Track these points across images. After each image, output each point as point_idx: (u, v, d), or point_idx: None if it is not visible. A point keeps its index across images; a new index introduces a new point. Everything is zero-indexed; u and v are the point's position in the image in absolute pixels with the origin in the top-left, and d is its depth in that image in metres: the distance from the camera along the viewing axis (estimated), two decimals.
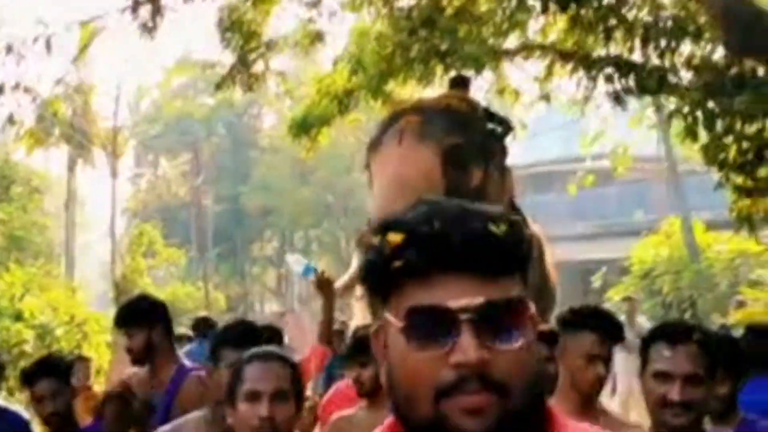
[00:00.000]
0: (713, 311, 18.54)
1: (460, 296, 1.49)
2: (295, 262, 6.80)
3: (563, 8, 7.82)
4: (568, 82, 10.70)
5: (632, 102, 10.24)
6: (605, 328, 3.61)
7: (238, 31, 8.97)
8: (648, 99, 10.77)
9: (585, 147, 20.84)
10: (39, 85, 7.85)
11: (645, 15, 8.68)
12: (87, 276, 39.11)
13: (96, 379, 14.63)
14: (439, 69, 10.22)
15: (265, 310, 44.33)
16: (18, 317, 14.19)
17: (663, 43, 7.95)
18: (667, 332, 3.11)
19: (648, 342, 3.13)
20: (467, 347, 1.46)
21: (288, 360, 3.24)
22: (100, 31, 8.23)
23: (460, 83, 9.04)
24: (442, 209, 1.56)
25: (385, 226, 1.57)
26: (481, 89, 11.33)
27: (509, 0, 9.14)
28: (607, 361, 3.61)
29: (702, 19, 7.79)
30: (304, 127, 10.71)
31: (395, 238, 1.52)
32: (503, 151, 8.23)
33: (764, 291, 16.93)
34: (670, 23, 7.66)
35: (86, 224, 51.20)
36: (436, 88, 10.84)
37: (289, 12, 9.48)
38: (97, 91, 27.61)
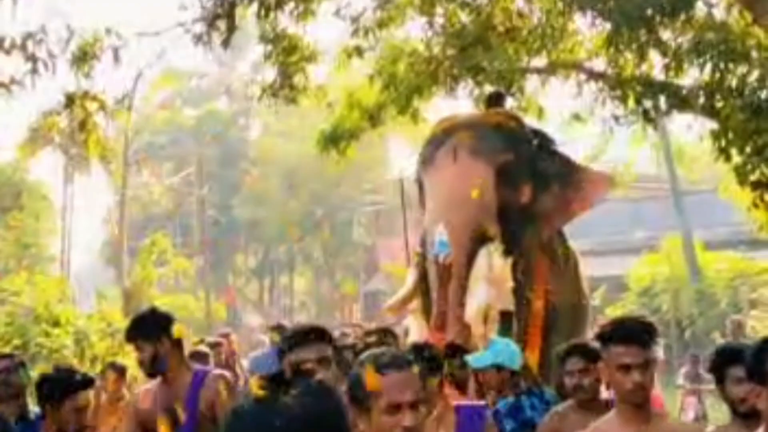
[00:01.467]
0: (713, 330, 18.65)
1: None
2: (440, 233, 6.86)
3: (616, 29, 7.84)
4: (568, 100, 10.87)
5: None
6: (633, 336, 3.69)
7: (279, 43, 9.01)
8: None
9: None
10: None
11: (684, 37, 8.80)
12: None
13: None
14: (467, 85, 10.33)
15: (251, 323, 44.08)
16: (56, 323, 14.22)
17: (709, 64, 8.06)
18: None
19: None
20: None
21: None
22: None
23: (497, 99, 9.16)
24: None
25: None
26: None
27: (557, 18, 9.17)
28: (643, 366, 3.66)
29: (752, 42, 7.89)
30: (333, 139, 10.75)
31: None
32: (562, 165, 8.28)
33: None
34: (722, 46, 7.73)
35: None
36: (461, 103, 10.98)
37: (326, 25, 9.50)
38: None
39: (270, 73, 10.10)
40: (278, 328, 9.93)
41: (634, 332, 3.72)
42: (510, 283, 7.58)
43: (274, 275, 51.58)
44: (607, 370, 3.75)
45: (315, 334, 4.05)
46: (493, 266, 7.48)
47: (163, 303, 22.20)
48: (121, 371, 8.27)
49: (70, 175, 30.44)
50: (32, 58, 6.98)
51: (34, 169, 25.10)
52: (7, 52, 7.01)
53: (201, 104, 52.88)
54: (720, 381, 4.36)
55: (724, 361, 4.36)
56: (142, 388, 5.38)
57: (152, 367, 4.98)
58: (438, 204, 7.79)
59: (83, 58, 7.23)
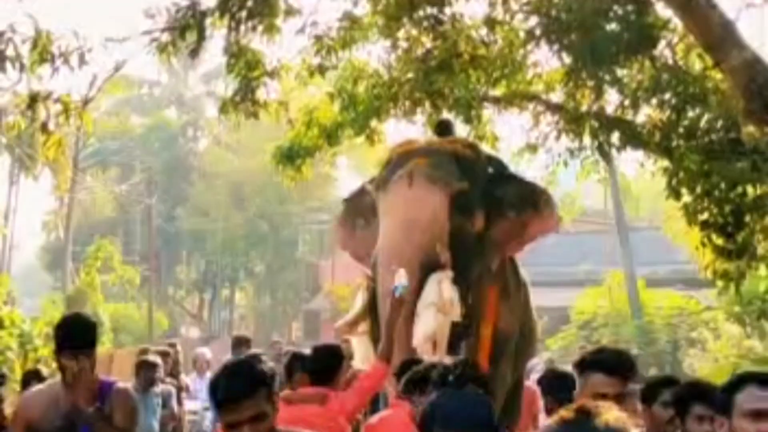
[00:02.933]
0: (651, 366, 18.91)
1: None
2: (401, 275, 6.85)
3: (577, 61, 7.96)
4: (522, 131, 10.99)
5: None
6: (612, 366, 3.73)
7: (243, 57, 9.00)
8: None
9: None
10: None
11: (642, 75, 8.96)
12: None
13: None
14: (425, 110, 10.39)
15: (190, 335, 43.74)
16: (0, 325, 14.02)
17: (666, 105, 8.22)
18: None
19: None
20: None
21: None
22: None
23: (445, 128, 9.21)
24: None
25: None
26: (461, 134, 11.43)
27: (518, 49, 9.29)
28: (618, 398, 3.67)
29: (709, 84, 8.06)
30: (290, 156, 10.74)
31: None
32: (523, 190, 8.34)
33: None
34: (679, 87, 7.89)
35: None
36: (418, 127, 11.03)
37: (290, 42, 9.51)
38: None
39: (222, 86, 10.09)
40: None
41: (614, 363, 3.77)
42: (459, 310, 7.60)
43: (216, 288, 51.26)
44: (582, 397, 3.76)
45: None
46: (442, 293, 7.49)
47: (107, 310, 22.07)
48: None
49: (15, 177, 30.07)
50: (0, 57, 6.92)
51: None
52: None
53: (150, 113, 52.56)
54: (680, 416, 4.42)
55: (688, 397, 4.43)
56: (30, 392, 5.42)
57: (80, 378, 4.96)
58: (392, 228, 7.80)
59: (50, 59, 7.19)
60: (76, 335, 5.07)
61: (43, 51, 7.37)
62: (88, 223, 44.53)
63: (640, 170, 10.39)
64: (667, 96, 8.33)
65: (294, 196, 41.65)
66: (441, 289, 7.36)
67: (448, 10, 9.38)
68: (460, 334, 7.30)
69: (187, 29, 7.94)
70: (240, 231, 44.17)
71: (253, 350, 11.15)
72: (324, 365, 5.99)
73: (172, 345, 11.76)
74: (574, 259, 28.01)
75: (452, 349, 7.23)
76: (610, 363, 3.77)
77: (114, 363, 17.86)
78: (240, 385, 3.39)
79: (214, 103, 47.59)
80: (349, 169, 45.15)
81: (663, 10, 8.49)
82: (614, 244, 24.46)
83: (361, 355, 7.77)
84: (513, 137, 11.83)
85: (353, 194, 9.02)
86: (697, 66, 8.67)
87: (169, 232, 46.79)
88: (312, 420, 5.17)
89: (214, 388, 3.43)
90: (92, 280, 21.49)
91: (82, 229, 40.52)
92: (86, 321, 5.27)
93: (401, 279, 6.63)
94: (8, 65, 7.04)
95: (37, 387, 5.36)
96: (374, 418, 6.01)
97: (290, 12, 9.11)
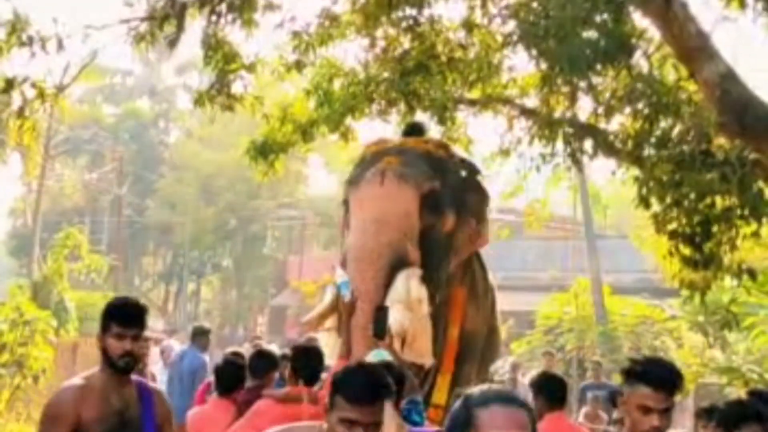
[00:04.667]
0: (614, 372, 19.00)
1: None
2: (340, 275, 6.86)
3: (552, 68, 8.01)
4: (495, 134, 11.04)
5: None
6: (660, 381, 3.76)
7: (220, 50, 8.99)
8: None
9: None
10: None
11: (616, 84, 9.03)
12: None
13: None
14: (400, 110, 10.42)
15: (154, 327, 43.50)
16: None
17: (639, 114, 8.30)
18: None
19: None
20: None
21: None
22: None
23: (416, 130, 9.24)
24: None
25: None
26: (435, 135, 11.46)
27: (495, 53, 9.34)
28: (664, 412, 3.74)
29: (682, 95, 8.14)
30: (263, 151, 10.74)
31: None
32: (482, 200, 8.42)
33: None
34: (653, 97, 7.96)
35: None
36: (392, 126, 11.06)
37: (268, 37, 9.52)
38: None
39: (195, 78, 10.07)
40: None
41: (662, 378, 3.79)
42: (426, 308, 7.63)
43: (182, 281, 51.09)
44: (625, 406, 3.88)
45: None
46: (410, 290, 7.51)
47: (73, 298, 21.94)
48: None
49: None
50: None
51: None
52: None
53: (122, 103, 52.30)
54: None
55: (739, 417, 4.47)
56: (70, 388, 4.63)
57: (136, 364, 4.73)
58: (362, 224, 7.83)
59: (29, 43, 7.16)
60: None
61: (19, 35, 7.35)
62: (56, 210, 44.25)
63: (610, 178, 10.44)
64: (640, 105, 8.39)
65: (264, 192, 41.62)
66: (409, 286, 7.39)
67: (426, 12, 9.40)
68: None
69: (166, 20, 7.92)
70: (209, 225, 44.04)
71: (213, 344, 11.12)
72: (312, 367, 6.06)
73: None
74: (540, 265, 28.20)
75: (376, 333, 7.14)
76: (657, 377, 3.77)
77: (79, 351, 17.73)
78: (384, 387, 3.53)
79: (186, 95, 47.54)
80: (319, 167, 45.21)
81: (640, 20, 8.56)
82: (581, 251, 24.62)
83: (329, 350, 7.79)
84: (486, 141, 11.89)
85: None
86: (671, 76, 8.74)
87: (137, 223, 46.59)
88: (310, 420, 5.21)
89: (350, 384, 3.48)
90: (59, 268, 21.39)
91: (49, 216, 40.22)
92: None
93: (341, 278, 6.69)
94: None
95: (73, 382, 4.69)
96: None
97: (269, 6, 9.12)
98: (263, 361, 7.14)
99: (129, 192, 43.09)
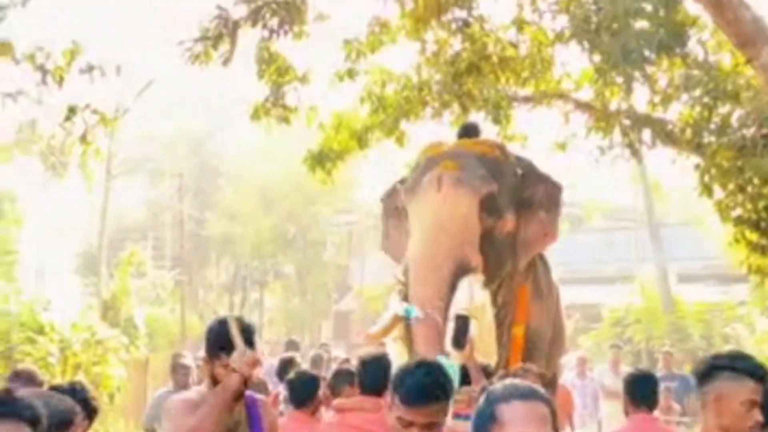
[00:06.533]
0: (685, 363, 18.80)
1: None
2: (399, 306, 6.84)
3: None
4: (551, 130, 11.00)
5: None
6: (760, 373, 3.70)
7: (273, 63, 9.07)
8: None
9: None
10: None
11: (673, 73, 8.95)
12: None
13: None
14: (453, 111, 10.42)
15: None
16: (41, 331, 14.20)
17: (697, 101, 8.21)
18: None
19: None
20: None
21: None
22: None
23: (471, 131, 9.21)
24: None
25: None
26: (489, 134, 11.45)
27: (547, 49, 9.31)
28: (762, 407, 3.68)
29: (740, 81, 8.04)
30: (320, 160, 10.81)
31: None
32: (550, 197, 8.35)
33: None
34: (710, 84, 7.87)
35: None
36: (447, 127, 11.06)
37: (320, 47, 9.59)
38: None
39: (248, 88, 10.13)
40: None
41: (762, 370, 3.74)
42: (490, 314, 7.62)
43: (245, 291, 51.43)
44: (718, 402, 3.75)
45: None
46: (474, 298, 7.51)
47: (141, 314, 22.31)
48: None
49: (46, 184, 30.29)
50: (42, 70, 7.04)
51: (9, 176, 25.05)
52: (17, 63, 7.08)
53: (176, 116, 52.75)
54: None
55: None
56: (185, 401, 4.62)
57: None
58: (422, 232, 7.81)
59: (88, 71, 7.29)
60: (249, 344, 4.48)
61: (74, 62, 7.49)
62: (119, 227, 44.82)
63: (671, 166, 10.34)
64: (697, 93, 8.30)
65: (321, 198, 41.77)
66: (472, 293, 7.37)
67: (475, 12, 9.38)
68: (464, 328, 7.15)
69: (220, 39, 8.02)
70: (268, 233, 44.26)
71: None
72: (373, 377, 6.04)
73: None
74: (603, 256, 27.93)
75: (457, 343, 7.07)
76: (759, 371, 3.72)
77: (149, 367, 17.95)
78: (440, 388, 3.50)
79: (241, 106, 47.79)
80: (374, 169, 45.22)
81: (692, 6, 8.47)
82: (645, 240, 24.36)
83: (396, 360, 7.79)
84: (541, 136, 11.83)
85: (386, 194, 9.02)
86: (728, 62, 8.64)
87: (198, 236, 46.98)
88: (370, 428, 5.23)
89: (406, 385, 3.49)
90: (126, 286, 21.75)
91: (112, 234, 40.76)
92: (251, 327, 4.63)
93: (405, 306, 6.65)
94: (49, 78, 7.14)
95: (187, 394, 4.75)
96: None
97: (320, 17, 9.18)
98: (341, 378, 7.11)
99: (189, 205, 43.48)
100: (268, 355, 16.43)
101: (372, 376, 5.93)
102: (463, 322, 6.66)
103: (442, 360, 5.98)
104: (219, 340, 4.48)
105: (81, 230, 47.23)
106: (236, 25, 8.17)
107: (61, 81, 7.21)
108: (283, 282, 50.10)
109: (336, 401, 6.28)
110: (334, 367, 7.76)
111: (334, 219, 44.71)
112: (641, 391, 6.08)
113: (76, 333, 14.75)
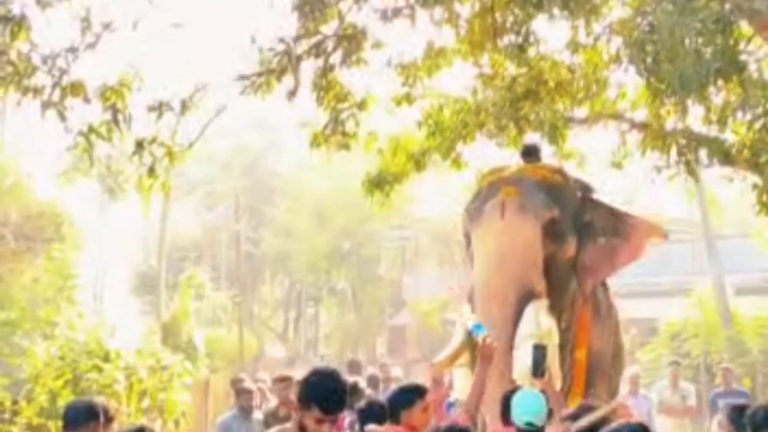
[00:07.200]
0: (745, 377, 18.65)
1: None
2: (470, 317, 6.92)
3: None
4: (605, 148, 11.04)
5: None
6: None
7: (332, 90, 9.24)
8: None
9: None
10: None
11: (729, 93, 8.95)
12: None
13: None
14: (510, 133, 10.50)
15: (274, 355, 44.19)
16: (106, 358, 14.45)
17: (756, 121, 8.21)
18: None
19: None
20: None
21: None
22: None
23: (533, 152, 9.31)
24: None
25: None
26: (546, 153, 11.51)
27: (602, 70, 9.38)
28: None
29: None
30: (378, 183, 10.95)
31: None
32: (605, 218, 8.41)
33: None
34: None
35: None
36: (505, 149, 11.15)
37: (377, 72, 9.74)
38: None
39: (303, 107, 10.27)
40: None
41: None
42: (556, 340, 7.69)
43: (300, 307, 51.71)
44: None
45: None
46: (540, 323, 7.59)
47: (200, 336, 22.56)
48: None
49: (104, 207, 30.83)
50: (112, 108, 7.28)
51: (68, 199, 25.51)
52: (87, 101, 7.34)
53: (230, 135, 53.19)
54: None
55: None
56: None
57: None
58: (485, 259, 7.92)
59: (158, 108, 7.54)
60: (342, 403, 4.61)
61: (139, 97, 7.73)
62: (176, 247, 45.30)
63: (728, 182, 10.35)
64: (756, 112, 8.31)
65: (375, 214, 41.89)
66: (538, 319, 7.46)
67: (531, 38, 9.47)
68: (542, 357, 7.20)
69: (283, 74, 8.21)
70: (323, 250, 44.46)
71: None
72: (392, 404, 6.12)
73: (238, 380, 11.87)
74: (659, 270, 27.71)
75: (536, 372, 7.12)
76: None
77: (210, 388, 18.19)
78: None
79: (294, 124, 48.05)
80: (428, 184, 45.20)
81: (746, 29, 8.47)
82: (701, 253, 24.15)
83: (462, 386, 7.85)
84: (598, 155, 11.88)
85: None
86: None
87: (253, 253, 47.33)
88: None
89: None
90: (186, 308, 22.08)
91: (170, 254, 41.22)
92: (345, 385, 4.67)
93: (471, 320, 6.71)
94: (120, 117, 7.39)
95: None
96: None
97: (377, 45, 9.33)
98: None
99: (245, 224, 43.85)
100: None
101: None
102: (541, 352, 6.73)
103: (527, 390, 6.08)
104: (314, 393, 4.55)
105: (137, 251, 47.77)
106: (299, 59, 8.36)
107: (129, 120, 7.45)
108: (338, 298, 50.27)
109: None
110: (393, 387, 7.77)
111: (388, 234, 44.81)
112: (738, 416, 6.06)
113: (140, 359, 14.96)
